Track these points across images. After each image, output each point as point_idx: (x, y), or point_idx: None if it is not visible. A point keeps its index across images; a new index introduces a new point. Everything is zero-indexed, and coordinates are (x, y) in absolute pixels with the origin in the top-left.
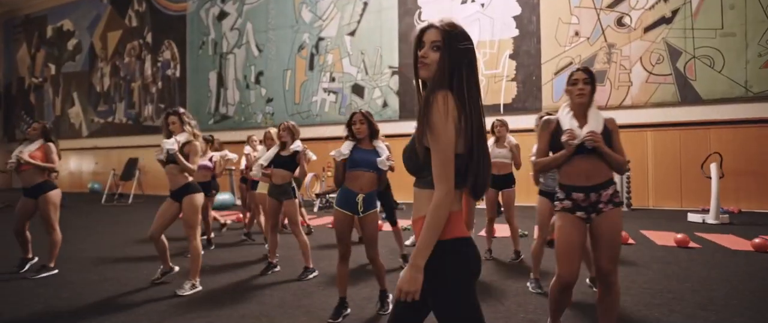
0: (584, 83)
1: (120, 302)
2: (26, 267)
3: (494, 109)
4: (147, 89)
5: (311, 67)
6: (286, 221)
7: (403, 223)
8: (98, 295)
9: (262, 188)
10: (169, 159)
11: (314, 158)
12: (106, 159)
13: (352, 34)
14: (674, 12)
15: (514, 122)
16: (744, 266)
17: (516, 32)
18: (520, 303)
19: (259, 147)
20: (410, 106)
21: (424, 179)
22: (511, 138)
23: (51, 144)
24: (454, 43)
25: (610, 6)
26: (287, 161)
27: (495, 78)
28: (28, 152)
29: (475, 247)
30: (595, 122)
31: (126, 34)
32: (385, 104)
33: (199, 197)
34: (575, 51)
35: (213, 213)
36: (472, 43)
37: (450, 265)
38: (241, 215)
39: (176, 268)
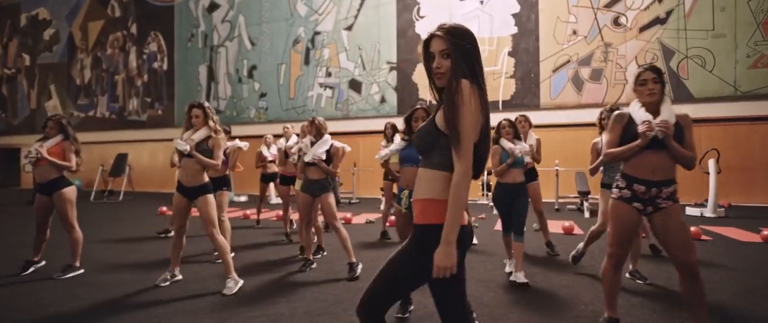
0: (653, 83)
1: (150, 302)
2: (30, 270)
3: (493, 106)
4: (132, 81)
5: (307, 61)
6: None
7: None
8: (117, 295)
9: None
10: (188, 154)
11: (348, 148)
12: (88, 155)
13: (349, 28)
14: (668, 13)
15: (513, 118)
16: (757, 256)
17: (515, 30)
18: (573, 294)
19: (281, 141)
20: (409, 102)
21: (431, 161)
22: (532, 134)
23: (69, 142)
24: (461, 45)
25: (607, 6)
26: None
27: (494, 75)
28: (48, 147)
29: (468, 224)
30: (668, 116)
31: (108, 25)
32: (383, 100)
33: (212, 197)
34: (573, 49)
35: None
36: (475, 38)
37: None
38: (247, 212)
39: (179, 276)
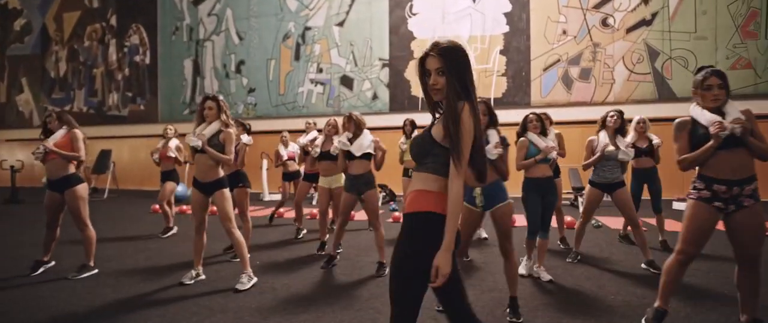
0: (718, 89)
1: (176, 299)
2: (40, 271)
3: None
4: (111, 75)
5: (297, 57)
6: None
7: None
8: (142, 294)
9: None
10: (201, 149)
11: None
12: None
13: (340, 24)
14: (654, 15)
15: (504, 116)
16: None
17: (506, 28)
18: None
19: (300, 139)
20: (401, 99)
21: (424, 165)
22: (553, 129)
23: (77, 131)
24: (455, 60)
25: (596, 7)
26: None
27: (486, 73)
28: (54, 141)
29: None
30: (737, 114)
31: (86, 16)
32: (375, 97)
33: (228, 192)
34: (563, 49)
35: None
36: (466, 52)
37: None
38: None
39: (203, 276)
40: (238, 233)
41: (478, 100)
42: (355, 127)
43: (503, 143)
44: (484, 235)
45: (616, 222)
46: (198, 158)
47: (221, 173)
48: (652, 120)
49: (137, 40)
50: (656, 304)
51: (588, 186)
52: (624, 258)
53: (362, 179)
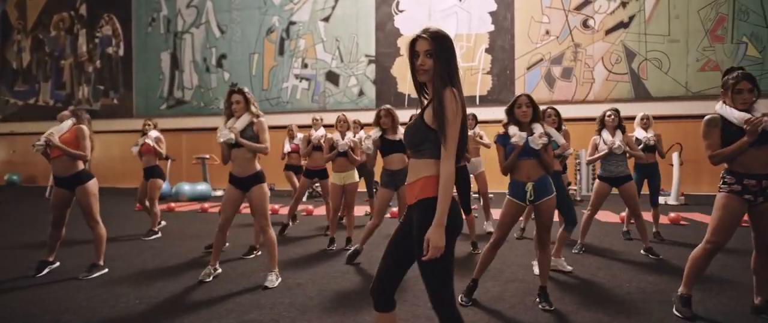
0: (749, 92)
1: (203, 300)
2: (44, 272)
3: (470, 100)
4: (81, 67)
5: (281, 52)
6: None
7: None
8: (163, 294)
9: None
10: (236, 144)
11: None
12: (28, 146)
13: (326, 19)
14: (631, 18)
15: (489, 113)
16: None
17: (492, 27)
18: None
19: (299, 134)
20: (387, 95)
21: (421, 152)
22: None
23: (83, 127)
24: (443, 46)
25: (577, 8)
26: (399, 144)
27: (471, 71)
28: (60, 133)
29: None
30: (760, 111)
31: (52, 4)
32: (361, 93)
33: (266, 186)
34: (546, 49)
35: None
36: (452, 41)
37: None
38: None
39: (219, 270)
40: (271, 232)
41: (522, 93)
42: (392, 121)
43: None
44: (490, 229)
45: (606, 216)
46: (234, 153)
47: (259, 166)
48: (630, 118)
49: (110, 31)
50: (681, 291)
51: (597, 181)
52: (625, 248)
53: (401, 173)
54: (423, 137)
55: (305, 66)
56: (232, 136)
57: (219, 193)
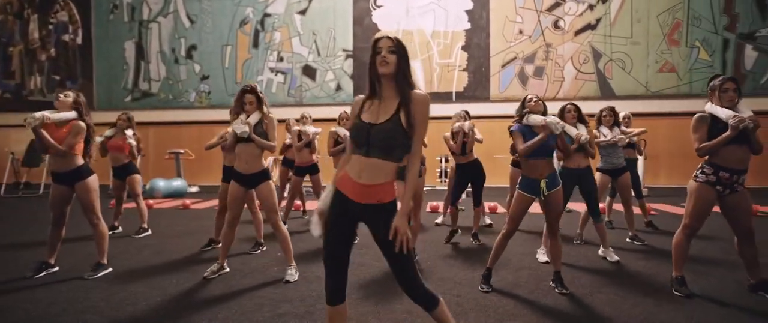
0: (733, 92)
1: (218, 296)
2: (42, 273)
3: (447, 96)
4: (33, 55)
5: (256, 44)
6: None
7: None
8: (172, 292)
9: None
10: (247, 139)
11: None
12: None
13: (302, 13)
14: (598, 20)
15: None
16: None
17: (468, 26)
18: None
19: (294, 128)
20: (364, 90)
21: (391, 155)
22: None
23: (81, 124)
24: (404, 51)
25: (549, 10)
26: None
27: (448, 67)
28: (59, 119)
29: None
30: (747, 112)
31: None
32: (338, 88)
33: (272, 183)
34: (519, 47)
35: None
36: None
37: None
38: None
39: (227, 269)
40: (284, 227)
41: (569, 103)
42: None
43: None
44: (489, 221)
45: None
46: (241, 148)
47: (264, 164)
48: (593, 116)
49: (66, 17)
50: (674, 274)
51: (597, 173)
52: (616, 237)
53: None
54: (399, 142)
55: (281, 59)
56: (246, 129)
57: (194, 189)
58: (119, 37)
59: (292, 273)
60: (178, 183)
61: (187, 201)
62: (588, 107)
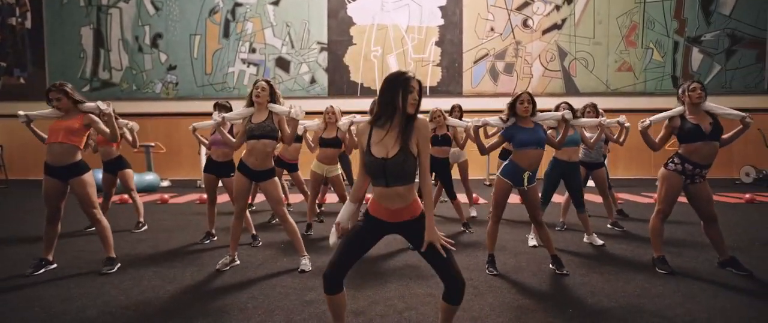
0: (700, 89)
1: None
2: (41, 271)
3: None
4: None
5: (226, 34)
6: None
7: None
8: (185, 284)
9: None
10: (264, 134)
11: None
12: None
13: (275, 3)
14: (563, 20)
15: (439, 103)
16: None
17: (441, 21)
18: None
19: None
20: (339, 83)
21: (409, 180)
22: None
23: (92, 116)
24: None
25: (519, 9)
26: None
27: (422, 62)
28: (64, 122)
29: None
30: (718, 109)
31: None
32: (313, 81)
33: (277, 178)
34: (490, 44)
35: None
36: None
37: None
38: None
39: (238, 261)
40: (291, 219)
41: (523, 91)
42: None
43: None
44: (474, 213)
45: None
46: (253, 144)
47: (272, 162)
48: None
49: None
50: (655, 255)
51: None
52: (598, 223)
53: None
54: (412, 167)
55: (253, 51)
56: (217, 120)
57: (166, 183)
58: (75, 22)
59: (306, 263)
60: (150, 177)
61: (165, 196)
62: (554, 103)
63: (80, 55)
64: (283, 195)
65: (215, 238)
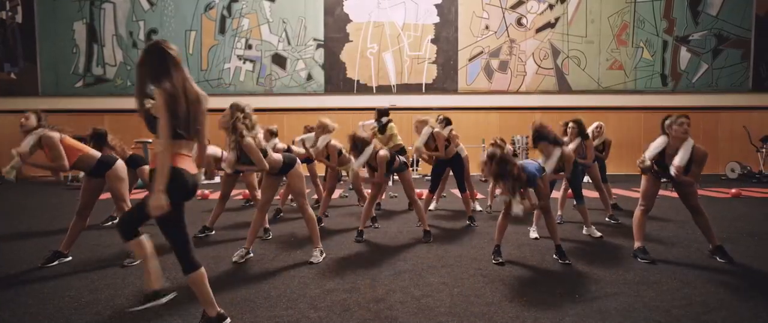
0: (687, 126)
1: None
2: (55, 263)
3: (417, 88)
4: None
5: (222, 30)
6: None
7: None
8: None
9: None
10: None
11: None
12: None
13: (271, 0)
14: (557, 19)
15: (434, 100)
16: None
17: (437, 19)
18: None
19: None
20: (336, 80)
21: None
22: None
23: (49, 134)
24: None
25: (513, 7)
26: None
27: (418, 59)
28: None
29: None
30: (685, 152)
31: None
32: (309, 77)
33: (301, 170)
34: (485, 42)
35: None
36: None
37: None
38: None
39: (252, 254)
40: (310, 210)
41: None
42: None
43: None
44: (479, 208)
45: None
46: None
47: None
48: (553, 109)
49: None
50: (637, 245)
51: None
52: (595, 217)
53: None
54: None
55: (249, 47)
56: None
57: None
58: (68, 17)
59: (317, 255)
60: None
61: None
62: (548, 101)
63: (73, 51)
64: (305, 188)
65: (213, 232)
